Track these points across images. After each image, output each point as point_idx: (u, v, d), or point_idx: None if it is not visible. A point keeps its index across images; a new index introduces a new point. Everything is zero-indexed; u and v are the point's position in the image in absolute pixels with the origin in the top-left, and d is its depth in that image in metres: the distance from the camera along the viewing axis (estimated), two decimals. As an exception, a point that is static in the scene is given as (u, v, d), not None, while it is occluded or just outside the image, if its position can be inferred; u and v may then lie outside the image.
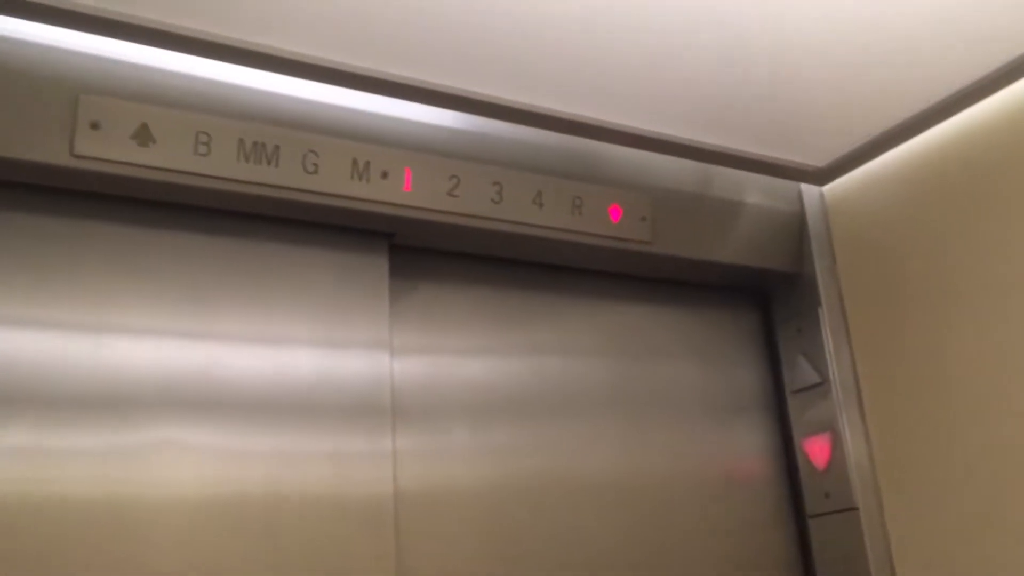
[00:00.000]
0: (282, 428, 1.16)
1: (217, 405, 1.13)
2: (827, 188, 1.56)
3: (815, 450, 1.45)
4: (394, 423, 1.23)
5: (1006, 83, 1.26)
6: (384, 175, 1.22)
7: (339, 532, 1.15)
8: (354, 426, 1.20)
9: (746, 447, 1.53)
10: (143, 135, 1.09)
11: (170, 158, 1.10)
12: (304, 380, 1.19)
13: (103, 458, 1.06)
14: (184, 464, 1.10)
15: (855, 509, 1.38)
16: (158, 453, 1.08)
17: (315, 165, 1.18)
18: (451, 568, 1.24)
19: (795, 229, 1.55)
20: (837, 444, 1.42)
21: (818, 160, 1.48)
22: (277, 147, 1.16)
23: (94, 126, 1.07)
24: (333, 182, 1.19)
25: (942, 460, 1.30)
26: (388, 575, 1.16)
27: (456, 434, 1.31)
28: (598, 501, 1.37)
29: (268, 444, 1.15)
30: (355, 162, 1.21)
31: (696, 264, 1.49)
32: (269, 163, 1.15)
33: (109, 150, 1.07)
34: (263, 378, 1.17)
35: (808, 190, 1.56)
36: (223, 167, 1.13)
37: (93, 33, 1.07)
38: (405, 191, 1.24)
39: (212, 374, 1.14)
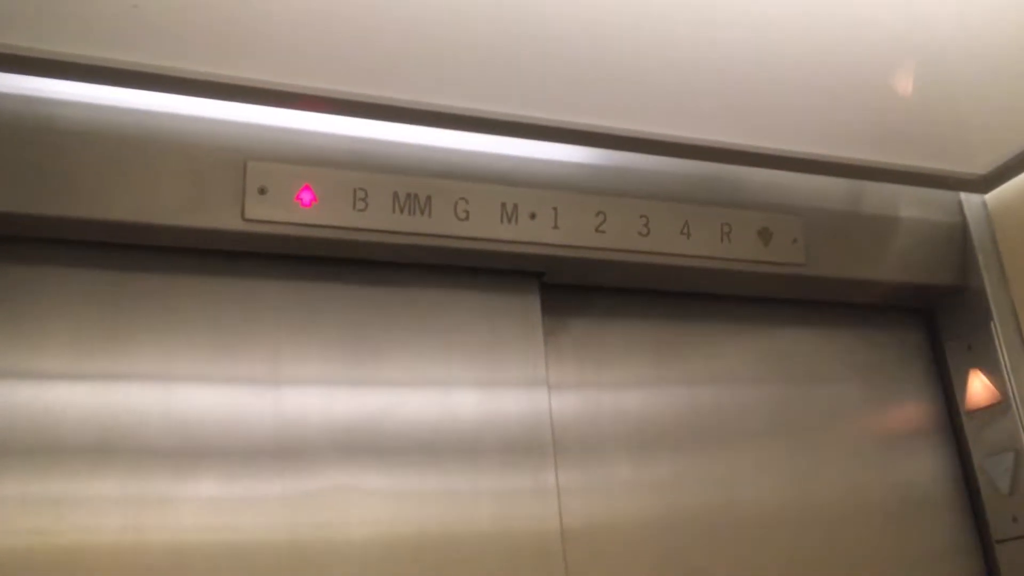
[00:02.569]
0: (450, 468, 1.19)
1: (387, 449, 1.17)
2: (990, 196, 1.48)
3: (999, 472, 1.38)
4: (556, 459, 1.24)
5: None
6: (532, 216, 1.25)
7: (511, 568, 1.16)
8: (518, 463, 1.22)
9: (921, 471, 1.46)
10: (306, 196, 1.15)
11: (332, 215, 1.16)
12: (468, 420, 1.22)
13: (284, 504, 1.11)
14: (359, 507, 1.14)
15: (1048, 533, 1.30)
16: (334, 497, 1.13)
17: (466, 212, 1.22)
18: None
19: (958, 241, 1.49)
20: (1023, 465, 1.34)
21: (979, 167, 1.41)
22: (429, 197, 1.20)
23: (262, 191, 1.13)
24: (483, 226, 1.23)
25: None
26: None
27: (618, 467, 1.31)
28: (768, 531, 1.34)
29: (438, 484, 1.18)
30: (504, 205, 1.24)
31: (853, 284, 1.44)
32: (422, 213, 1.20)
33: (276, 212, 1.14)
34: (429, 420, 1.20)
35: (969, 199, 1.50)
36: (380, 220, 1.18)
37: (256, 103, 1.14)
38: (553, 230, 1.26)
39: (381, 419, 1.18)
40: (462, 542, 1.16)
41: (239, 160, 1.14)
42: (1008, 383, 1.38)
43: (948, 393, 1.51)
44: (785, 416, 1.42)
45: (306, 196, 1.15)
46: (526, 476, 1.22)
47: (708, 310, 1.45)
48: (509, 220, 1.24)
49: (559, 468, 1.25)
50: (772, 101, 1.22)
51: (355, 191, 1.17)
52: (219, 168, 1.13)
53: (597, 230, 1.28)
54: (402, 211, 1.19)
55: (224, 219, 1.12)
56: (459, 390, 1.24)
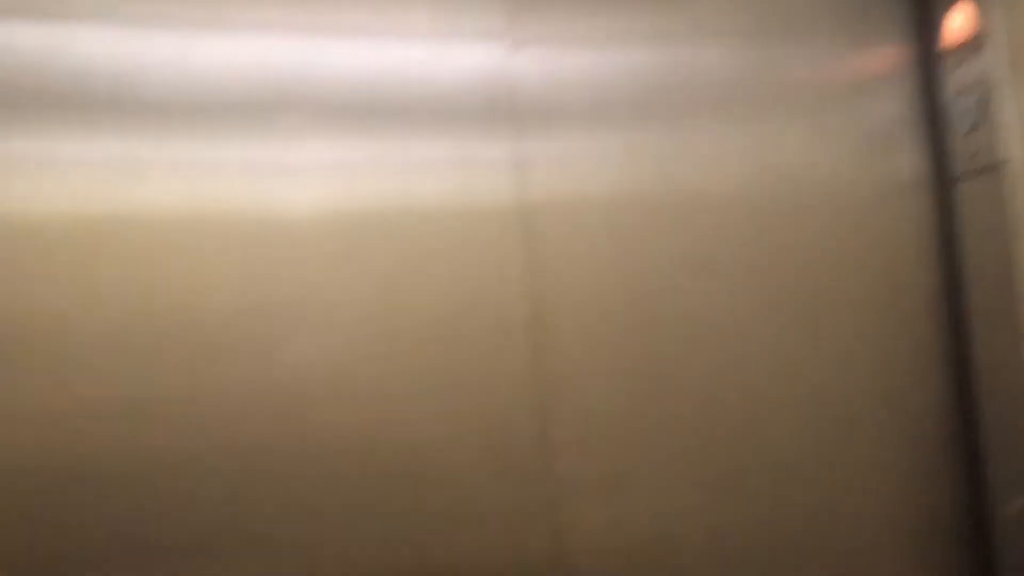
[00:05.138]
0: (396, 135, 1.15)
1: (325, 109, 1.13)
2: None
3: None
4: (516, 126, 1.21)
5: None
6: None
7: (465, 237, 1.17)
8: (473, 131, 1.19)
9: (886, 118, 1.43)
10: None
11: None
12: (415, 77, 1.17)
13: (243, 171, 1.10)
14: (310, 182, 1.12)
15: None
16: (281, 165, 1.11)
17: None
18: (581, 267, 1.24)
19: None
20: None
21: None
22: None
23: None
24: None
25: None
26: (518, 274, 1.19)
27: (578, 137, 1.26)
28: (726, 210, 1.32)
29: (383, 152, 1.15)
30: None
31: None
32: None
33: None
34: (370, 76, 1.15)
35: None
36: None
37: None
38: None
39: (313, 73, 1.13)
40: (413, 215, 1.15)
41: None
42: (986, 19, 1.32)
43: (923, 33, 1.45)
44: (753, 77, 1.36)
45: None
46: (483, 145, 1.19)
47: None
48: None
49: (520, 137, 1.21)
50: None
51: None
52: None
53: None
54: None
55: None
56: (409, 41, 1.17)
